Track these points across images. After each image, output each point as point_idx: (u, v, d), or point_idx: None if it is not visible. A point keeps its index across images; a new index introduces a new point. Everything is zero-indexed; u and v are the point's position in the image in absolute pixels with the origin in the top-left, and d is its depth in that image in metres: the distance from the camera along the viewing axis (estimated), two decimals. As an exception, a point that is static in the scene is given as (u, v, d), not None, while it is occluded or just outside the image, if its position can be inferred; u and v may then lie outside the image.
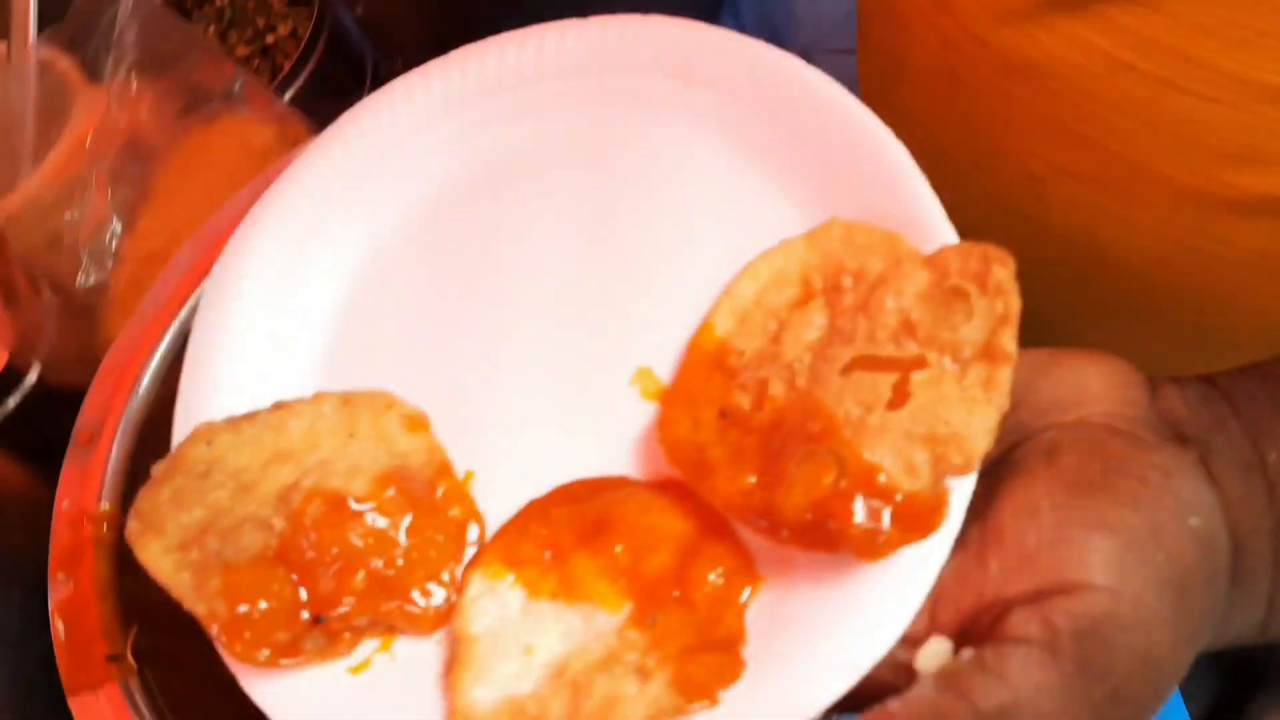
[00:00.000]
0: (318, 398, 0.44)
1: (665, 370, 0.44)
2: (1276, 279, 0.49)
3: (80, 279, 0.67)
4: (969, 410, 0.35)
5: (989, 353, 0.36)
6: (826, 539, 0.36)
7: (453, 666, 0.39)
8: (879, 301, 0.39)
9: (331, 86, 0.90)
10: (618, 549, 0.39)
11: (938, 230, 0.41)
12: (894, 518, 0.35)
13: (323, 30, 0.92)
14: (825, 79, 0.45)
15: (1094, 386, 0.38)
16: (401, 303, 0.49)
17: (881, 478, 0.35)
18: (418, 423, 0.44)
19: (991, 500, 0.37)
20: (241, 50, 0.93)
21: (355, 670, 0.41)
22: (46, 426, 0.70)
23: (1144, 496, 0.35)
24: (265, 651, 0.39)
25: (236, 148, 0.74)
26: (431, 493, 0.43)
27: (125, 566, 0.60)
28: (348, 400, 0.44)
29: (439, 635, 0.41)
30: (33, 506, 0.63)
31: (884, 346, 0.38)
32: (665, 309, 0.45)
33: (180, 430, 0.46)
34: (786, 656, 0.36)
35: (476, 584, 0.41)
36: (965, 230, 0.41)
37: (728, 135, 0.47)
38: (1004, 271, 0.37)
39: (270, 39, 0.96)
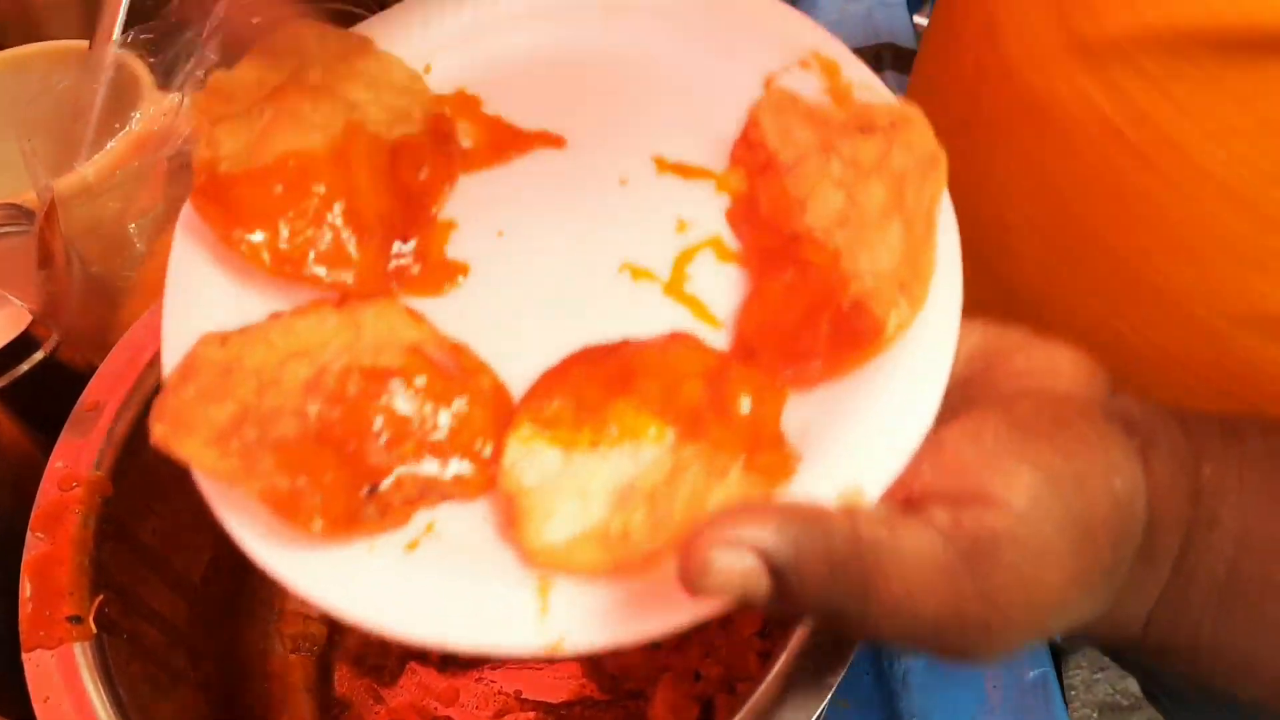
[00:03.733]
0: (314, 304, 0.44)
1: (646, 261, 0.47)
2: (1190, 374, 0.52)
3: (119, 253, 0.69)
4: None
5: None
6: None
7: (516, 520, 0.39)
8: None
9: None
10: (649, 387, 0.41)
11: (861, 76, 0.46)
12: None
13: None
14: None
15: (1063, 367, 0.40)
16: None
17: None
18: (419, 317, 0.45)
19: (939, 425, 0.39)
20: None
21: (409, 549, 0.41)
22: (52, 399, 0.71)
23: (1079, 451, 0.36)
24: (321, 522, 0.38)
25: (287, 167, 0.77)
26: (458, 364, 0.43)
27: (104, 536, 0.61)
28: (345, 303, 0.44)
29: (481, 512, 0.41)
30: (25, 469, 0.64)
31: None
32: (637, 213, 0.48)
33: (172, 342, 0.45)
34: (821, 456, 0.39)
35: (511, 449, 0.41)
36: None
37: (670, 43, 0.51)
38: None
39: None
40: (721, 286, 0.46)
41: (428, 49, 0.53)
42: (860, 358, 0.40)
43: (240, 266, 0.45)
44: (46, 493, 0.61)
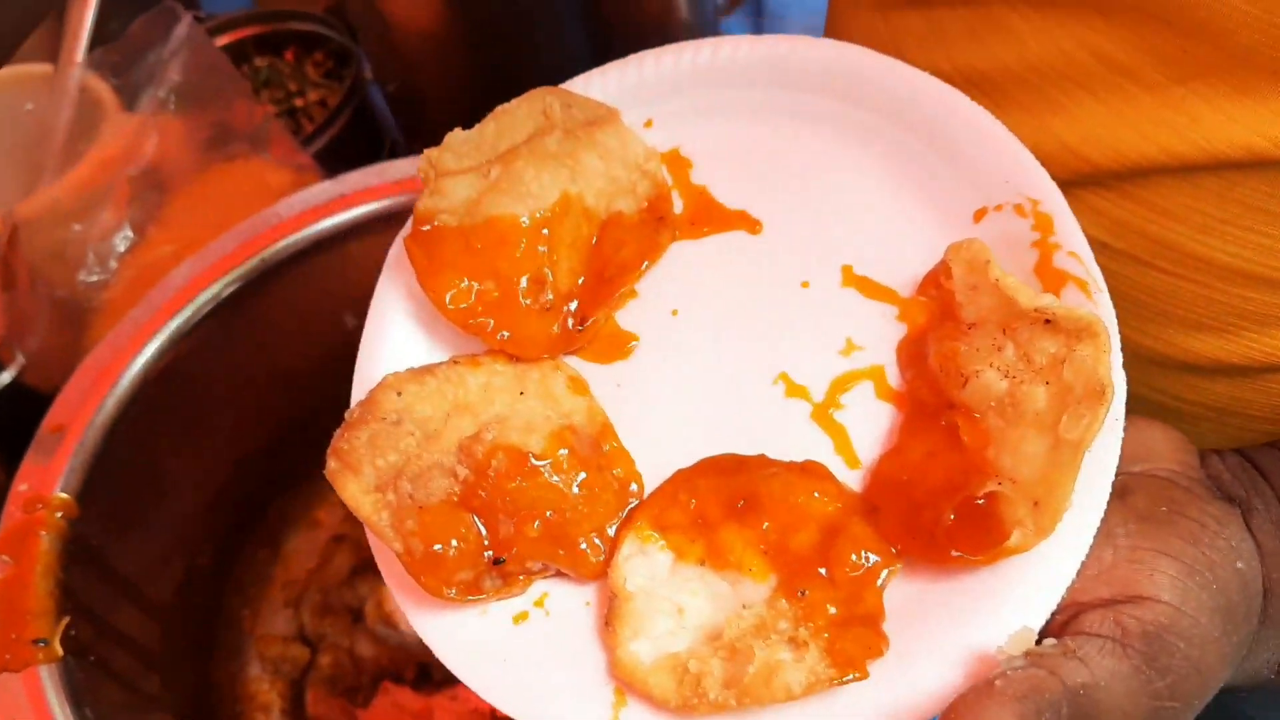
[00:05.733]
0: (490, 354, 0.47)
1: (801, 376, 0.47)
2: (1223, 427, 0.53)
3: (83, 275, 0.69)
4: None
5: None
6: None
7: (611, 621, 0.42)
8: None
9: (348, 155, 0.95)
10: (765, 525, 0.42)
11: (1072, 241, 0.44)
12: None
13: (350, 104, 0.97)
14: (974, 105, 0.47)
15: (1159, 447, 0.44)
16: None
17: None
18: (580, 386, 0.47)
19: None
20: (269, 108, 0.97)
21: (516, 620, 0.43)
22: (18, 422, 0.71)
23: (1202, 536, 0.40)
24: (453, 590, 0.42)
25: (253, 186, 0.77)
26: (598, 451, 0.45)
27: (71, 558, 0.61)
28: (516, 360, 0.47)
29: (588, 597, 0.44)
30: (-10, 492, 0.63)
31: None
32: (810, 321, 0.47)
33: (363, 372, 0.48)
34: (927, 638, 0.39)
35: (628, 545, 0.43)
36: None
37: (883, 155, 0.50)
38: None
39: (299, 102, 1.01)
40: (870, 423, 0.45)
41: (649, 98, 0.53)
42: (976, 561, 0.39)
43: (434, 310, 0.47)
44: (11, 515, 0.60)
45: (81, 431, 0.64)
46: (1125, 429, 0.41)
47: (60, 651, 0.56)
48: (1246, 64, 0.41)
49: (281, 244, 0.69)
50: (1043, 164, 0.46)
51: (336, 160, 0.90)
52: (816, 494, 0.42)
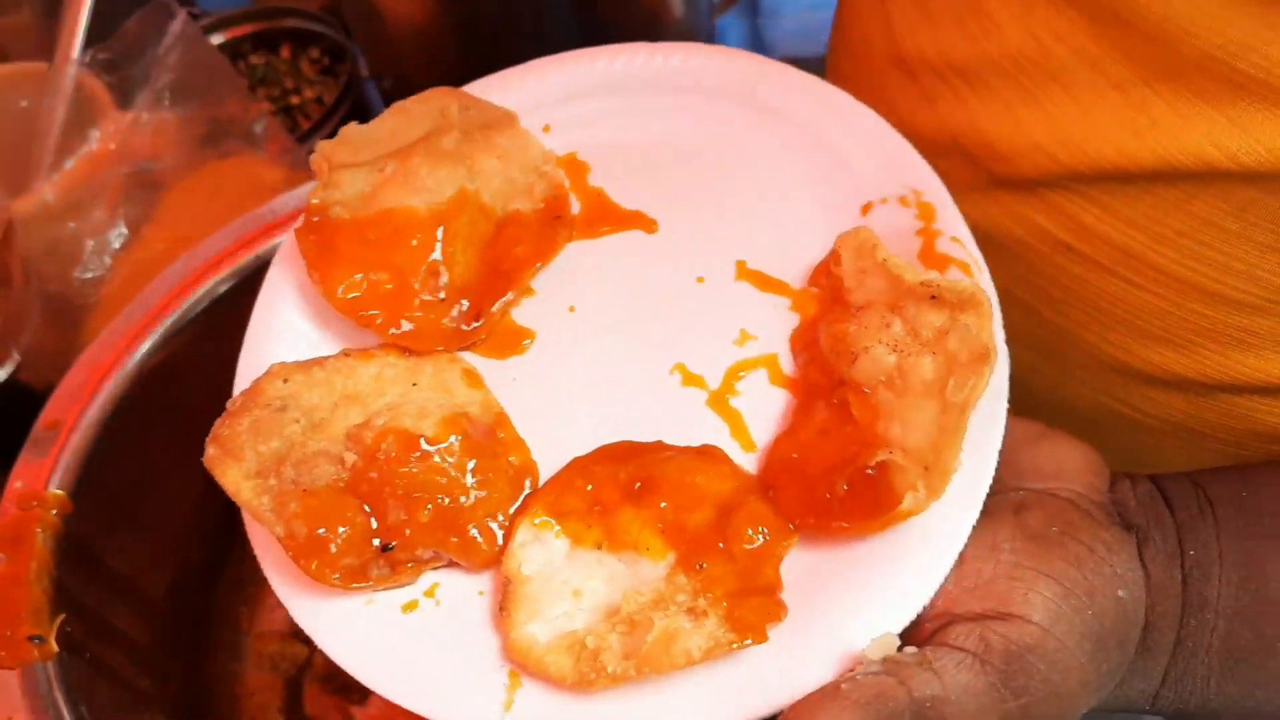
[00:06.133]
0: (384, 347, 0.47)
1: (697, 366, 0.48)
2: (1183, 444, 0.53)
3: (77, 272, 0.69)
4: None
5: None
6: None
7: (505, 605, 0.41)
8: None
9: (345, 152, 0.95)
10: (663, 504, 0.42)
11: (953, 228, 0.46)
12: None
13: (346, 100, 0.97)
14: (856, 103, 0.50)
15: (1070, 466, 0.44)
16: None
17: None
18: (476, 379, 0.47)
19: None
20: (265, 105, 0.97)
21: (405, 609, 0.43)
22: (13, 419, 0.71)
23: (1088, 561, 0.40)
24: (337, 575, 0.41)
25: (247, 183, 0.77)
26: (492, 438, 0.45)
27: (66, 555, 0.61)
28: (410, 353, 0.47)
29: (481, 586, 0.43)
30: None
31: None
32: (705, 314, 0.49)
33: (247, 364, 0.48)
34: (822, 607, 0.40)
35: (523, 532, 0.43)
36: None
37: (773, 155, 0.52)
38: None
39: (295, 100, 1.01)
40: (765, 408, 0.46)
41: (547, 104, 0.54)
42: (871, 528, 0.40)
43: (326, 303, 0.47)
44: (6, 513, 0.60)
45: (76, 428, 0.64)
46: (1041, 443, 0.43)
47: (56, 648, 0.56)
48: (1202, 70, 0.42)
49: (277, 241, 0.69)
50: (1015, 160, 0.49)
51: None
52: (710, 474, 0.43)
